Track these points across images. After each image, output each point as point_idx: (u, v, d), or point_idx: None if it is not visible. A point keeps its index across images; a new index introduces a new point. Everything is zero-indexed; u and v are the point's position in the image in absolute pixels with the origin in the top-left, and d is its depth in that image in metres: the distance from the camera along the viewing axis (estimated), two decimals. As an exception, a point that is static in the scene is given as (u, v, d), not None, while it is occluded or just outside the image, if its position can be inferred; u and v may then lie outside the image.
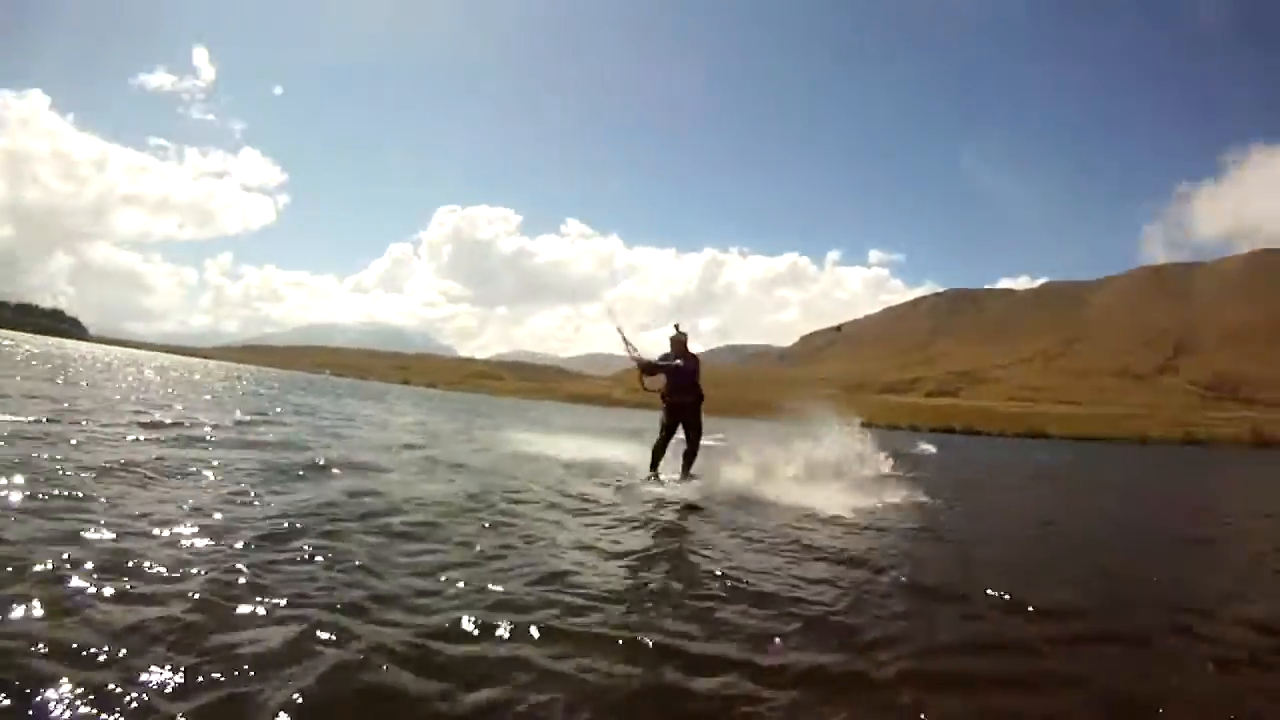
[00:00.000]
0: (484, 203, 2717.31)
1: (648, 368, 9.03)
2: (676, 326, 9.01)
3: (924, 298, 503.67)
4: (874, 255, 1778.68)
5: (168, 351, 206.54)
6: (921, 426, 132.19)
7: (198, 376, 36.44)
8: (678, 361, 8.92)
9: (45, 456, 6.03)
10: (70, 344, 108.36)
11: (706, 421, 9.38)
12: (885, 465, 12.75)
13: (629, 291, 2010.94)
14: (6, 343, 55.23)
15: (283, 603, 3.18)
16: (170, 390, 20.75)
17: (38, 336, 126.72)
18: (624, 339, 8.99)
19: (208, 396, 19.58)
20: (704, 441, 9.38)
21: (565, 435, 18.11)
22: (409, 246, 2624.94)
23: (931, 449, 32.16)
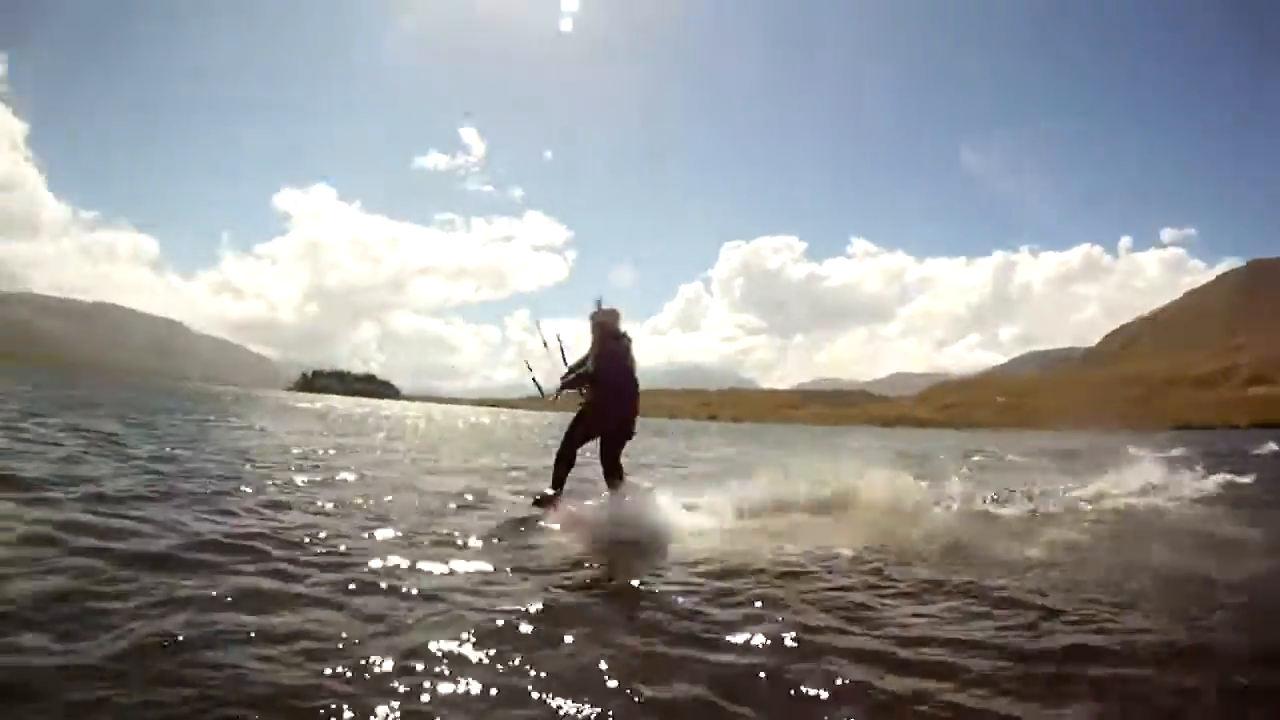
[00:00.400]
0: (765, 234, 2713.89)
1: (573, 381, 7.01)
2: (598, 304, 6.95)
3: (1226, 274, 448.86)
4: (1166, 234, 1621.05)
5: (475, 404, 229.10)
6: (1241, 423, 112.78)
7: (486, 421, 39.85)
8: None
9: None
10: (381, 402, 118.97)
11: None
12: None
13: (924, 306, 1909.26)
14: (315, 404, 61.12)
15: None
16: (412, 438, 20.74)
17: (349, 398, 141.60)
18: (561, 357, 7.28)
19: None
20: None
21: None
22: (699, 285, 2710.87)
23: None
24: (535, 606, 3.76)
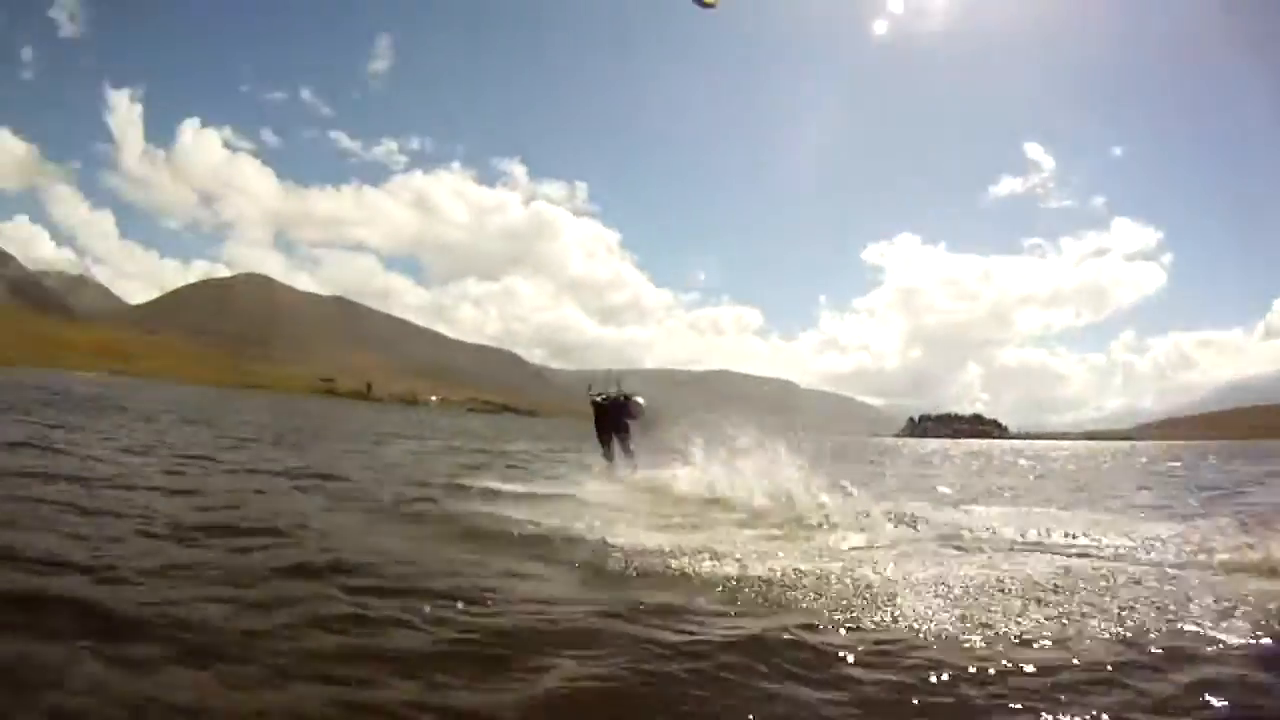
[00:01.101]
0: None
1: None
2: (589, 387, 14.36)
3: None
4: None
5: (1084, 438, 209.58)
6: None
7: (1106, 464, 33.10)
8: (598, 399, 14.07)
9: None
10: (988, 443, 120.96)
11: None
12: None
13: None
14: (930, 445, 66.30)
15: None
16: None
17: (962, 440, 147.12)
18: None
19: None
20: None
21: None
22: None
23: None
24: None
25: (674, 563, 5.71)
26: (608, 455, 13.65)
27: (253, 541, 5.77)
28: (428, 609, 4.27)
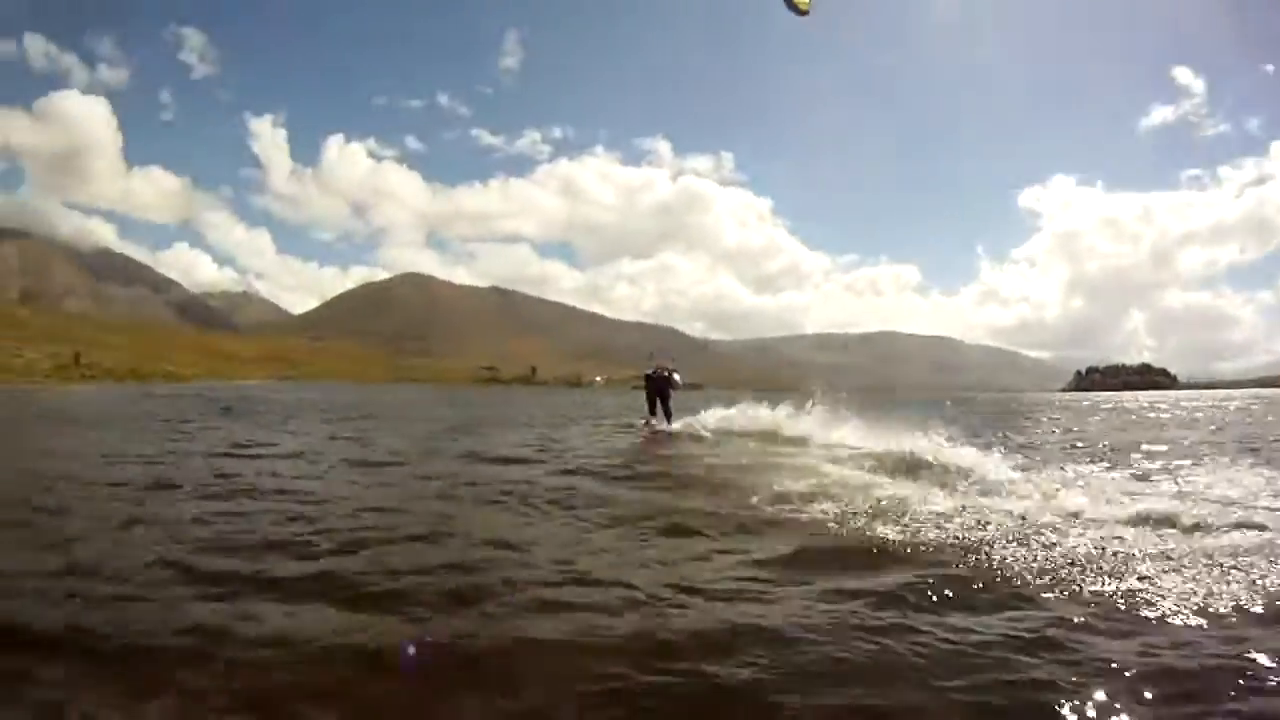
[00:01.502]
0: None
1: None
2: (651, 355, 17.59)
3: None
4: None
5: (1258, 386, 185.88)
6: None
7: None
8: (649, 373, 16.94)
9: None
10: (1154, 395, 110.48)
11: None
12: None
13: None
14: (1091, 401, 60.70)
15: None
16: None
17: (1126, 393, 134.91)
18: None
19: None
20: None
21: None
22: None
23: None
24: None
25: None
26: (650, 414, 16.93)
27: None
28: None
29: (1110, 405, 49.03)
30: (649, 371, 17.04)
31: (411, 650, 3.38)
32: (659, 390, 16.81)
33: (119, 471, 8.84)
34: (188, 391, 47.23)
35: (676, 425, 15.96)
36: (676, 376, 17.10)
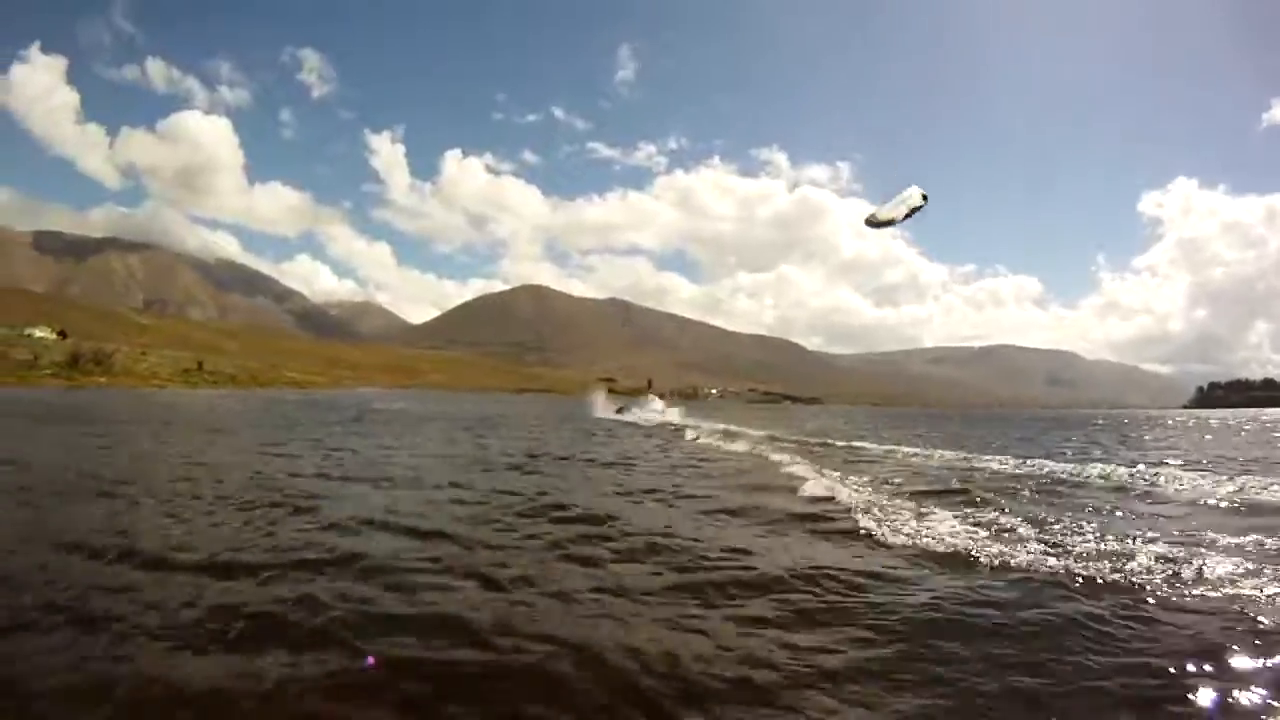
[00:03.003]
0: None
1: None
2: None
3: None
4: None
5: None
6: None
7: None
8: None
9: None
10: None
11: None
12: None
13: None
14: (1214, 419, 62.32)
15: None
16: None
17: (1249, 410, 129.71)
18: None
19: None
20: None
21: None
22: None
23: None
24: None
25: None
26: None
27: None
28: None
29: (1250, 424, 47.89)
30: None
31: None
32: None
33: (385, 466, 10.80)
34: (319, 399, 48.44)
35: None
36: (658, 401, 28.48)
